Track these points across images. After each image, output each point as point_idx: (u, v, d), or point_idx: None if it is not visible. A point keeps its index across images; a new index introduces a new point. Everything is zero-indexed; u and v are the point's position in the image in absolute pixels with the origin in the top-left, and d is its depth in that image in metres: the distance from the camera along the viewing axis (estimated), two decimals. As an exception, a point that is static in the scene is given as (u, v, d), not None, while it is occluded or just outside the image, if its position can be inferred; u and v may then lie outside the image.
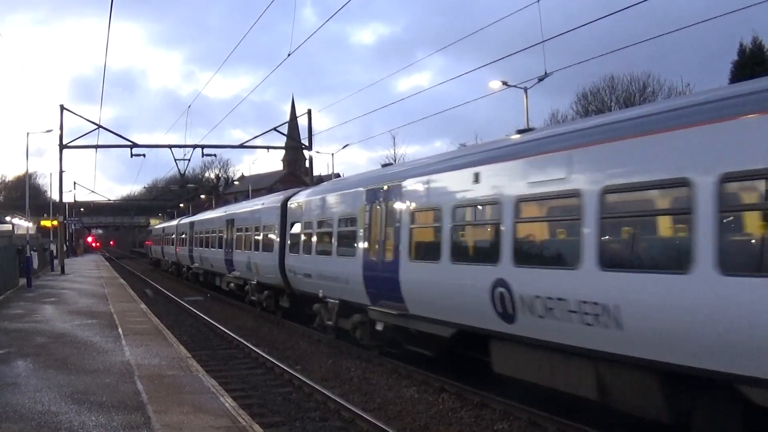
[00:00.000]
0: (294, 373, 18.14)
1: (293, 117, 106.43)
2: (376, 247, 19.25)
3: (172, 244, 62.70)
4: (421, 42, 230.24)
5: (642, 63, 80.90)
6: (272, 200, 32.11)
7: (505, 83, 42.08)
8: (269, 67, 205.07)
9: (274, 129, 56.23)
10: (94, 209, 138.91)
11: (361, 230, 20.27)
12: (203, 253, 46.94)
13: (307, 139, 57.46)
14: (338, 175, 32.09)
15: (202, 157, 53.71)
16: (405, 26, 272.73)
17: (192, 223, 53.26)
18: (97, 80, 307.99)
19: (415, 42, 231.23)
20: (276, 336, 25.79)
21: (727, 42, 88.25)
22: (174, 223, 66.28)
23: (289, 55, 33.91)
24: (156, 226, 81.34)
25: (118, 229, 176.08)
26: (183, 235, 56.44)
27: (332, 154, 69.74)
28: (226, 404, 12.94)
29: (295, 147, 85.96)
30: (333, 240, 22.36)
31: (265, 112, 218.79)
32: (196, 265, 50.53)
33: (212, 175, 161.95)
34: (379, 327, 19.30)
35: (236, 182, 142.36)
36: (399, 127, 73.34)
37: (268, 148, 61.47)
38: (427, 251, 16.74)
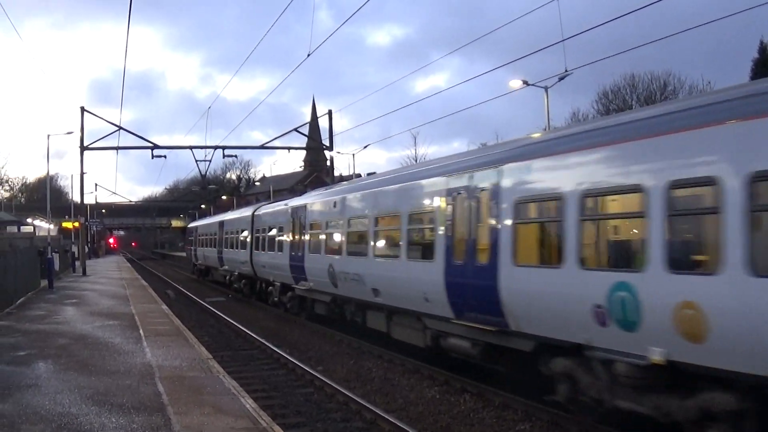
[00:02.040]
0: (315, 374, 18.05)
1: (314, 118, 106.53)
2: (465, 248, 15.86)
3: (253, 247, 38.17)
4: (434, 43, 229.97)
5: (660, 62, 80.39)
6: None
7: (525, 82, 41.88)
8: (285, 69, 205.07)
9: (295, 130, 56.20)
10: (115, 211, 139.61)
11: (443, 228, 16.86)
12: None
13: (327, 140, 57.37)
14: (359, 176, 31.41)
15: (223, 158, 53.82)
16: (418, 28, 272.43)
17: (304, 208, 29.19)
18: (115, 83, 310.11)
19: (429, 43, 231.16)
20: (298, 337, 25.71)
21: (741, 40, 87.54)
22: (245, 213, 42.93)
23: (308, 55, 33.87)
24: (206, 221, 64.08)
25: (139, 231, 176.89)
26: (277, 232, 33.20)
27: (353, 155, 69.73)
28: (247, 405, 12.85)
29: (316, 148, 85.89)
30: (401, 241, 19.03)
31: (283, 113, 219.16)
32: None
33: (233, 176, 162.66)
34: (465, 344, 16.17)
35: (257, 183, 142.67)
36: (417, 127, 73.12)
37: (289, 148, 61.38)
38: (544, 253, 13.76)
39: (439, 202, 17.04)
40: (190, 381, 14.89)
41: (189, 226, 79.11)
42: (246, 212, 41.59)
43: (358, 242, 22.42)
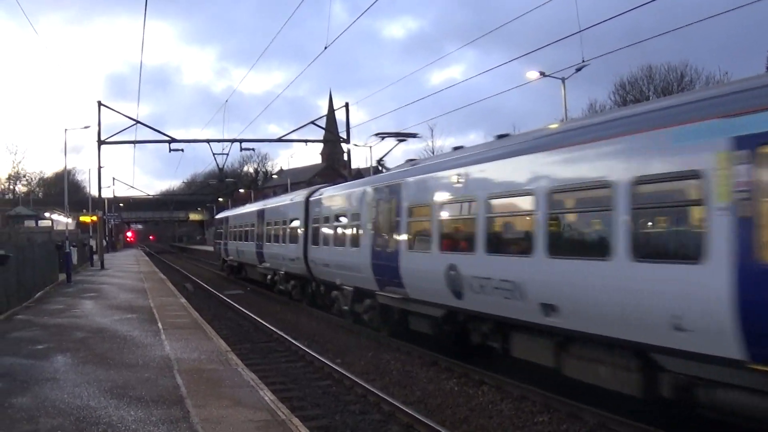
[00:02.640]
0: (334, 366, 18.00)
1: (331, 110, 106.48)
2: None
3: (309, 241, 31.11)
4: (449, 35, 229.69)
5: (676, 53, 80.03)
6: None
7: (542, 73, 41.72)
8: (301, 62, 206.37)
9: (312, 122, 56.19)
10: (133, 204, 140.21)
11: None
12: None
13: (344, 132, 57.32)
14: (377, 168, 30.36)
15: (241, 151, 53.46)
16: (433, 20, 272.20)
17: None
18: (131, 78, 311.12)
19: (444, 35, 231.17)
20: (316, 329, 25.70)
21: (758, 30, 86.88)
22: (296, 198, 34.55)
23: (326, 47, 33.80)
24: (240, 210, 54.20)
25: (157, 224, 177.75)
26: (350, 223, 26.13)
27: (370, 147, 69.51)
28: (266, 398, 12.82)
29: (334, 140, 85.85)
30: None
31: (299, 107, 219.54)
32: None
33: (251, 170, 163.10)
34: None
35: (275, 176, 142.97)
36: (433, 118, 72.68)
37: (306, 141, 61.50)
38: None
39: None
40: (209, 374, 14.87)
41: (218, 216, 65.71)
42: (297, 197, 33.76)
43: (509, 234, 15.78)
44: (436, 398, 15.32)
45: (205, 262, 77.82)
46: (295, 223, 32.81)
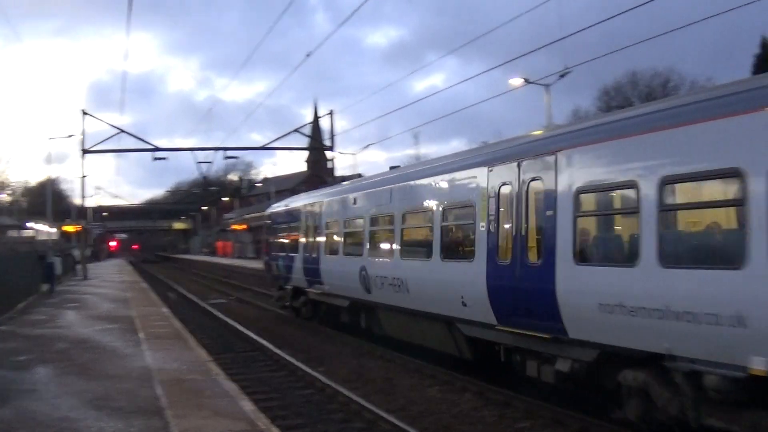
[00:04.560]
0: (316, 375, 17.97)
1: (315, 118, 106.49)
2: None
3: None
4: (430, 44, 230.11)
5: (660, 59, 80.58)
6: None
7: (526, 80, 41.75)
8: (283, 71, 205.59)
9: (296, 130, 56.14)
10: (116, 214, 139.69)
11: None
12: None
13: (329, 141, 57.27)
14: (360, 176, 29.31)
15: (225, 159, 53.34)
16: (414, 29, 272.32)
17: None
18: (114, 87, 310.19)
19: (424, 44, 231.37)
20: (298, 337, 25.66)
21: (742, 36, 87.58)
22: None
23: (308, 55, 33.93)
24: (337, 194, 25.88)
25: (141, 234, 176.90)
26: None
27: (354, 155, 69.65)
28: (246, 408, 12.80)
29: (318, 148, 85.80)
30: None
31: (281, 116, 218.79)
32: None
33: (235, 178, 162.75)
34: None
35: (259, 184, 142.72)
36: (417, 127, 73.10)
37: (290, 149, 61.43)
38: None
39: None
40: (189, 384, 14.83)
41: (273, 210, 35.06)
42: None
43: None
44: (419, 405, 15.32)
45: (189, 271, 77.51)
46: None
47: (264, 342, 23.48)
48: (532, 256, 13.68)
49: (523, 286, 13.68)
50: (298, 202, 30.38)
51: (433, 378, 17.81)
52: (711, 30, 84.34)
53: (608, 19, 22.54)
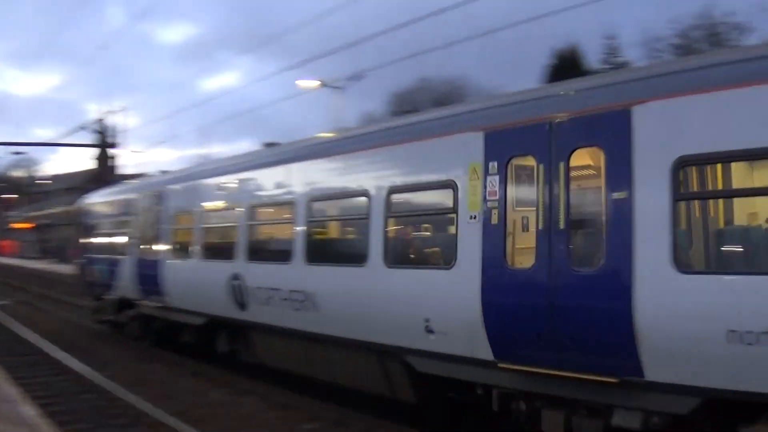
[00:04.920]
0: (99, 379, 17.84)
1: (103, 115, 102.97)
2: None
3: None
4: (225, 43, 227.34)
5: (456, 66, 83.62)
6: None
7: (323, 83, 42.24)
8: (75, 65, 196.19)
9: (82, 128, 54.76)
10: None
11: None
12: None
13: (115, 138, 56.19)
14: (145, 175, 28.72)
15: (13, 154, 51.16)
16: (210, 27, 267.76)
17: None
18: None
19: (219, 43, 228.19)
20: (85, 341, 25.29)
21: (525, 47, 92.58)
22: None
23: (98, 49, 33.19)
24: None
25: None
26: None
27: (142, 152, 68.56)
28: (28, 412, 12.70)
29: (102, 146, 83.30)
30: None
31: (71, 111, 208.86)
32: None
33: (21, 174, 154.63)
34: None
35: (48, 181, 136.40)
36: (206, 125, 72.14)
37: (74, 146, 59.89)
38: None
39: None
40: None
41: (91, 202, 30.28)
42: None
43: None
44: (204, 408, 15.49)
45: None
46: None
47: (48, 345, 22.91)
48: (580, 261, 9.80)
49: (563, 304, 9.69)
50: (129, 192, 25.36)
51: (213, 380, 18.28)
52: (504, 41, 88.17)
53: (404, 25, 23.38)
